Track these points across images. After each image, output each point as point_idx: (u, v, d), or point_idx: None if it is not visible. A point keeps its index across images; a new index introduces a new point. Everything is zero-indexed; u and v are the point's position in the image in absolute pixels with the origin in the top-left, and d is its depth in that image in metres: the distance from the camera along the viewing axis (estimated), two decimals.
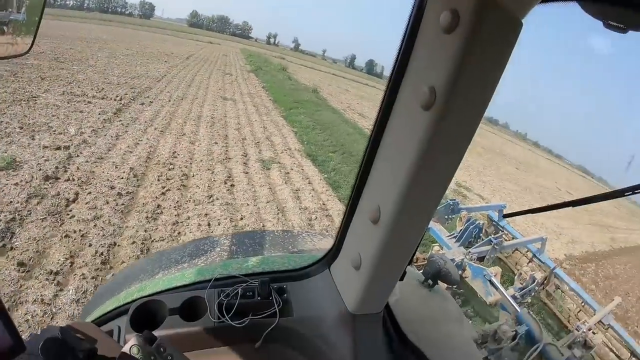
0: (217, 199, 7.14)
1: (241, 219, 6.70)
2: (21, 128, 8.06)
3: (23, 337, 0.76)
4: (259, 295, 1.38)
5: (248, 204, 7.29)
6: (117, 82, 15.01)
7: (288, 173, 9.61)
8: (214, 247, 1.96)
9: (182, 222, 6.12)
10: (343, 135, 15.18)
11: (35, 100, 10.31)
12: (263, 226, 6.68)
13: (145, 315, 1.31)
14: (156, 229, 5.73)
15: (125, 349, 0.91)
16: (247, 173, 8.86)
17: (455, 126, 0.86)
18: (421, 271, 2.10)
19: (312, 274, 1.51)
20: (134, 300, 1.36)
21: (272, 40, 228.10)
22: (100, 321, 1.40)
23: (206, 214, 6.49)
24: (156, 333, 1.00)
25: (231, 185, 7.93)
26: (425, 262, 2.17)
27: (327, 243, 2.09)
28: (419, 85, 0.85)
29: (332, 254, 1.40)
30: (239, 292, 1.37)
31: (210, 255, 1.86)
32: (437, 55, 0.81)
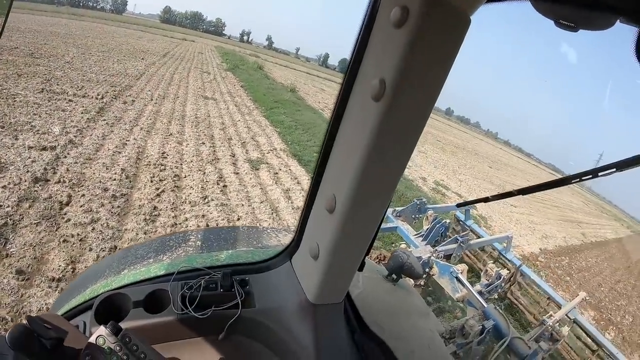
0: (212, 200, 7.04)
1: (238, 219, 6.64)
2: (2, 127, 7.73)
3: None
4: (221, 287, 1.41)
5: (242, 205, 7.22)
6: (97, 80, 14.55)
7: (277, 173, 9.56)
8: (179, 242, 1.98)
9: (180, 223, 6.00)
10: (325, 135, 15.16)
11: (14, 98, 9.90)
12: (259, 224, 6.60)
13: (110, 309, 1.33)
14: (156, 231, 5.60)
15: (92, 339, 0.94)
16: (237, 174, 8.77)
17: (404, 117, 0.89)
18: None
19: (274, 266, 1.54)
20: (99, 295, 1.37)
21: (245, 37, 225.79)
22: (67, 317, 1.38)
23: (203, 215, 6.39)
24: (121, 325, 1.01)
25: (224, 186, 7.83)
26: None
27: (290, 237, 2.18)
28: (370, 78, 0.89)
29: (293, 245, 1.42)
30: (202, 284, 1.40)
31: (176, 250, 1.87)
32: (387, 49, 0.84)
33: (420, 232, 6.78)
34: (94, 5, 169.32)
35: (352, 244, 1.15)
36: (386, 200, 1.08)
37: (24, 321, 0.87)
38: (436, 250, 6.10)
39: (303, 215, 1.30)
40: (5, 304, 3.77)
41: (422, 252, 5.88)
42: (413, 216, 7.30)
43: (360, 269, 1.31)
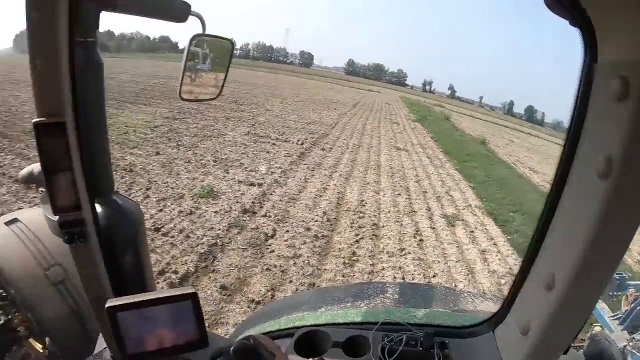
0: (409, 252, 7.05)
1: (434, 276, 6.51)
2: (215, 162, 8.91)
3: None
4: (421, 346, 1.45)
5: (439, 261, 7.06)
6: (295, 127, 16.18)
7: (472, 232, 9.17)
8: (377, 292, 2.06)
9: (377, 272, 6.13)
10: (521, 193, 14.39)
11: (224, 137, 11.45)
12: (455, 286, 6.37)
13: (307, 342, 1.48)
14: (353, 275, 5.79)
15: None
16: (434, 228, 8.68)
17: (632, 196, 0.85)
18: (581, 351, 2.09)
19: (476, 334, 1.54)
20: (297, 327, 1.54)
21: (427, 87, 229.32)
22: None
23: (400, 267, 6.43)
24: None
25: (420, 240, 7.80)
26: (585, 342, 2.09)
27: (488, 305, 2.19)
28: (594, 154, 0.87)
29: (498, 317, 1.43)
30: (403, 339, 1.45)
31: (373, 299, 1.97)
32: (610, 124, 0.82)
33: (617, 314, 5.94)
34: (284, 59, 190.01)
35: (566, 325, 1.13)
36: (605, 281, 1.06)
37: (244, 338, 1.03)
38: (633, 338, 5.26)
39: (514, 288, 1.31)
40: (206, 311, 4.24)
41: (616, 338, 5.12)
42: (610, 293, 6.38)
43: (565, 352, 1.25)
